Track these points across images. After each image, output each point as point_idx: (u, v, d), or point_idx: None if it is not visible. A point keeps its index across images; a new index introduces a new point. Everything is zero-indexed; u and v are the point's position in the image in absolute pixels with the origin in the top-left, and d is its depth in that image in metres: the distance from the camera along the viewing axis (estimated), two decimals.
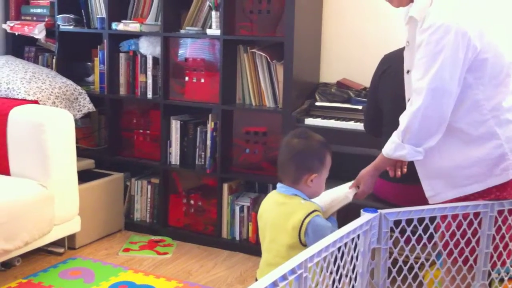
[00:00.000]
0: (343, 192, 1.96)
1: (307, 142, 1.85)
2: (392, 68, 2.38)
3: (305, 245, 1.75)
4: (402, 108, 2.27)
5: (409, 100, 1.91)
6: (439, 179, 1.88)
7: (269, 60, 3.09)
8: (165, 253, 3.21)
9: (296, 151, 1.84)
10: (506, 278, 1.97)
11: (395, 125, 2.32)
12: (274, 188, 3.18)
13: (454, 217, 1.79)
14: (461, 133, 1.82)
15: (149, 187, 3.52)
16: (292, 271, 1.27)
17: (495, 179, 1.81)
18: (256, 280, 1.82)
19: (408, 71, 1.93)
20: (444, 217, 1.81)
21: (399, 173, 2.11)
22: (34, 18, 3.69)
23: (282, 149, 1.88)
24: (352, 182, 2.01)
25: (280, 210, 1.83)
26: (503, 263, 1.89)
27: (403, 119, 1.82)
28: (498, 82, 1.80)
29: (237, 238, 3.29)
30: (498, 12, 1.88)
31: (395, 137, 1.84)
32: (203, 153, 3.34)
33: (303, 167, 1.83)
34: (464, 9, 1.77)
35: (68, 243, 3.18)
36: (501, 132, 1.80)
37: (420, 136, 1.78)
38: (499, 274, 1.93)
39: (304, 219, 1.76)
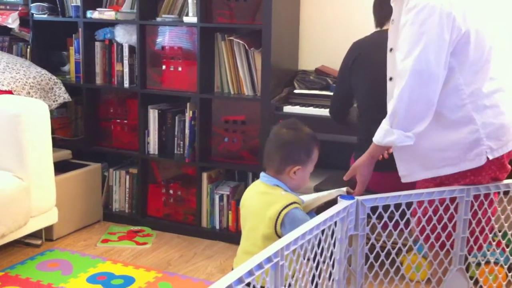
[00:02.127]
0: (328, 191, 1.92)
1: (296, 133, 1.83)
2: (362, 56, 2.37)
3: (280, 237, 1.72)
4: (378, 94, 2.28)
5: (391, 78, 1.89)
6: (413, 160, 1.88)
7: (247, 48, 3.07)
8: (145, 243, 3.19)
9: (283, 141, 1.82)
10: (483, 263, 1.99)
11: (372, 112, 2.33)
12: (254, 177, 3.21)
13: (431, 202, 1.80)
14: (440, 116, 1.81)
15: (128, 177, 3.49)
16: (268, 260, 1.26)
17: (468, 163, 1.82)
18: (233, 269, 1.82)
19: (391, 49, 1.90)
20: (420, 203, 1.81)
21: (386, 155, 2.09)
22: (8, 7, 3.62)
23: (270, 138, 1.86)
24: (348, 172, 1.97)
25: (260, 200, 1.82)
26: (480, 248, 1.91)
27: (390, 104, 1.79)
28: (478, 67, 1.81)
29: (217, 227, 3.29)
30: None
31: (384, 123, 1.81)
32: (181, 142, 3.32)
33: (288, 158, 1.81)
34: None
35: (45, 235, 3.14)
36: (478, 118, 1.80)
37: (408, 121, 1.75)
38: (476, 259, 1.94)
39: (282, 210, 1.74)
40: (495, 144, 1.82)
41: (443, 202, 1.80)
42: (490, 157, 1.81)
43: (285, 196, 1.78)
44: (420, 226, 1.82)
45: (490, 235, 1.92)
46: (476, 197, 1.84)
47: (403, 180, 1.92)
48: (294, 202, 1.76)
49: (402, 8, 1.79)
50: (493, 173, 1.85)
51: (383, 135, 1.80)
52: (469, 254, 1.89)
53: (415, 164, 1.87)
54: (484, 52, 1.81)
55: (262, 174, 1.87)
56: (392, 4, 1.91)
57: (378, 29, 2.45)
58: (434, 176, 1.85)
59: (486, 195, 1.85)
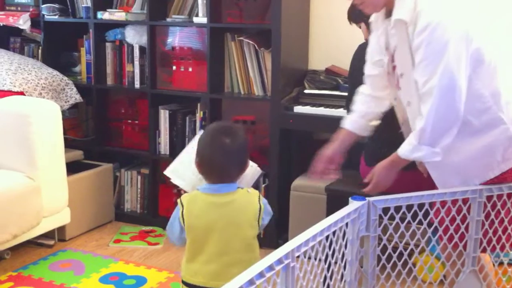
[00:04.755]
0: (251, 169, 2.00)
1: (239, 140, 1.85)
2: None
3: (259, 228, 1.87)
4: None
5: (408, 103, 1.87)
6: (452, 176, 1.86)
7: (257, 48, 3.07)
8: (156, 244, 3.20)
9: (234, 153, 1.83)
10: (496, 264, 1.97)
11: None
12: (265, 177, 3.20)
13: (454, 202, 1.78)
14: (466, 125, 1.80)
15: (139, 177, 3.50)
16: (279, 261, 1.26)
17: (506, 163, 1.82)
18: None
19: (402, 74, 1.89)
20: (443, 203, 1.80)
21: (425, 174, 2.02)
22: (19, 8, 3.65)
23: (217, 153, 1.82)
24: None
25: (231, 209, 1.82)
26: (493, 249, 1.89)
27: (419, 121, 1.78)
28: (490, 68, 1.80)
29: None
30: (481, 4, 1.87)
31: (412, 138, 1.81)
32: None
33: (242, 163, 1.88)
34: (453, 3, 1.76)
35: (58, 235, 3.16)
36: (505, 116, 1.81)
37: (436, 135, 1.76)
38: (507, 258, 1.93)
39: (259, 203, 1.84)
40: None
41: (466, 202, 1.79)
42: None
43: (252, 192, 1.86)
44: (443, 226, 1.80)
45: None
46: (489, 198, 1.82)
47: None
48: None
49: (405, 33, 1.79)
50: None
51: (410, 150, 1.80)
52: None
53: (455, 179, 1.86)
54: (492, 53, 1.81)
55: (216, 186, 1.84)
56: (391, 32, 1.88)
57: None
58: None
59: (499, 196, 1.83)
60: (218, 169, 1.83)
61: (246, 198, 1.85)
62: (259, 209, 1.83)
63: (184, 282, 1.88)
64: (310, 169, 2.12)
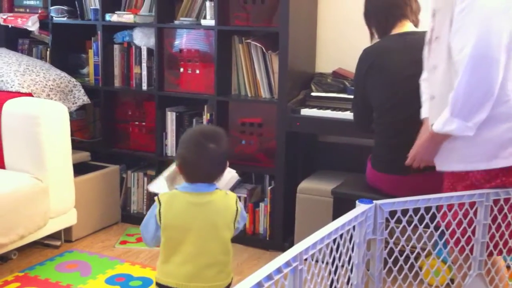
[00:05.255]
0: (229, 174, 2.03)
1: (224, 145, 1.87)
2: (377, 63, 2.35)
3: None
4: (395, 96, 2.27)
5: (435, 67, 1.84)
6: (447, 151, 1.85)
7: (264, 50, 3.08)
8: None
9: (219, 158, 1.86)
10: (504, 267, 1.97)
11: (389, 114, 2.32)
12: (271, 179, 3.21)
13: (460, 205, 1.78)
14: None
15: (146, 179, 3.51)
16: (287, 264, 1.26)
17: (501, 161, 1.79)
18: None
19: (436, 37, 1.86)
20: (450, 206, 1.80)
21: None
22: (27, 10, 3.67)
23: (204, 159, 1.84)
24: None
25: (209, 209, 1.84)
26: (500, 252, 1.89)
27: (452, 93, 1.75)
28: None
29: None
30: None
31: (445, 111, 1.78)
32: None
33: (224, 166, 1.90)
34: None
35: (64, 236, 3.17)
36: None
37: (468, 108, 1.71)
38: None
39: (236, 206, 1.86)
40: None
41: (472, 205, 1.78)
42: None
43: (230, 194, 1.89)
44: (450, 229, 1.80)
45: None
46: (496, 201, 1.82)
47: (438, 169, 1.90)
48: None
49: None
50: None
51: (442, 123, 1.78)
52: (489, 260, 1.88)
53: (448, 155, 1.85)
54: None
55: (195, 185, 1.85)
56: None
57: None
58: (466, 170, 1.82)
59: (506, 200, 1.82)
60: (203, 173, 1.85)
61: (224, 200, 1.87)
62: (235, 211, 1.86)
63: (158, 284, 1.87)
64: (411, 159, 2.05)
